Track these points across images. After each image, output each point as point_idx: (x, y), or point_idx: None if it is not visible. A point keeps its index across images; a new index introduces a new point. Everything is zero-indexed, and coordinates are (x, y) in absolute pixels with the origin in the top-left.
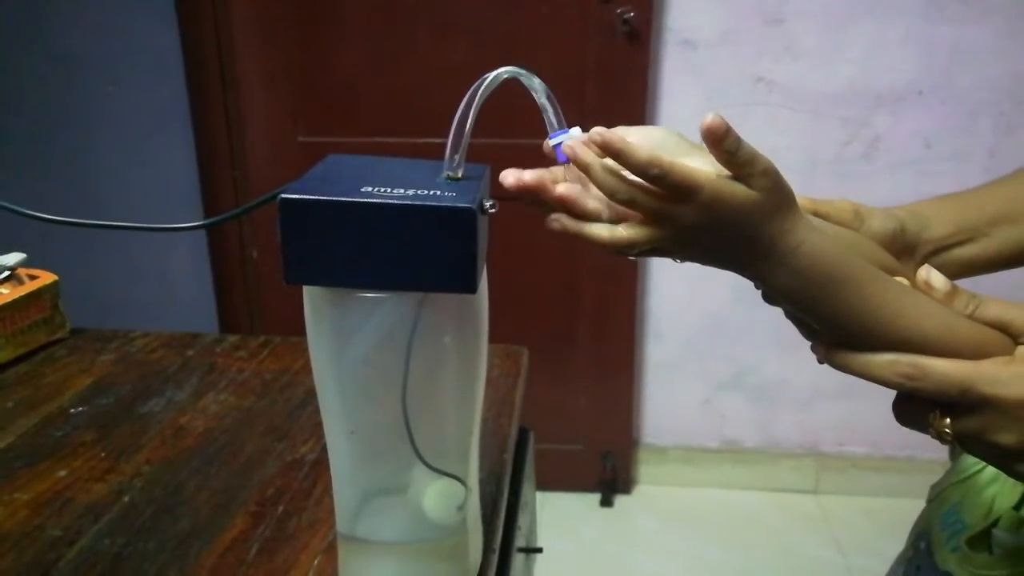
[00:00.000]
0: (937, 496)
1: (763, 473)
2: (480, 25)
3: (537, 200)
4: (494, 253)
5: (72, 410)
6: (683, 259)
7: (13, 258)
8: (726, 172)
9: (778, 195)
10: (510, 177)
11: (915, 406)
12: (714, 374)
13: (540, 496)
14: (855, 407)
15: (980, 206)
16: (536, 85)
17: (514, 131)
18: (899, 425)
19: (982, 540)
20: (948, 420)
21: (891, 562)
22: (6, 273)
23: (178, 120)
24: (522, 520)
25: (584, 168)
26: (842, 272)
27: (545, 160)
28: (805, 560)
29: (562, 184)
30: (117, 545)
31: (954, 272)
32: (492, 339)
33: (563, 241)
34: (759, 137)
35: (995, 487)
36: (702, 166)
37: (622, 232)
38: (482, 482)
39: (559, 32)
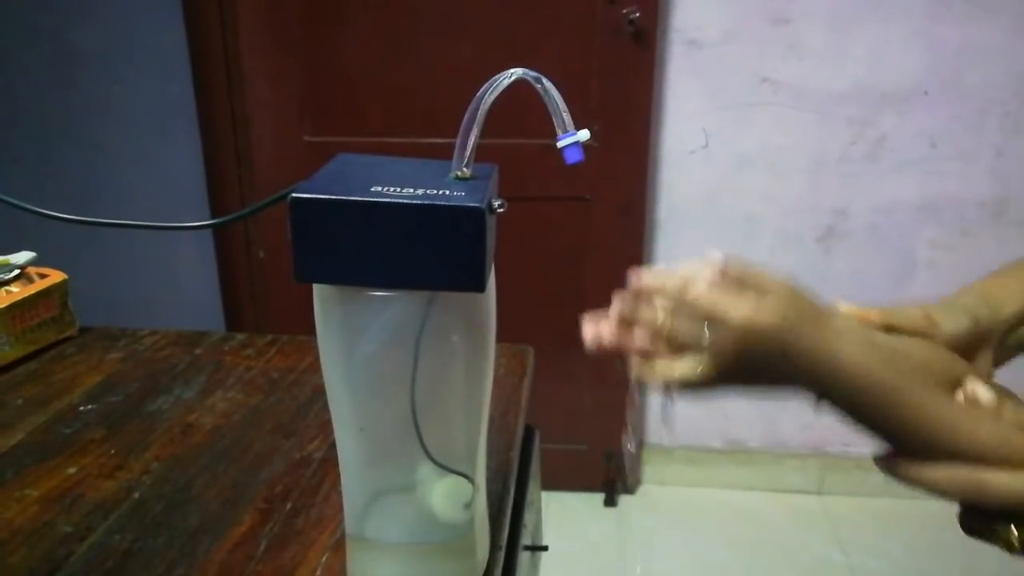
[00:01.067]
0: None
1: (767, 473)
2: (486, 25)
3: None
4: (500, 252)
5: (81, 407)
6: (734, 392)
7: (23, 257)
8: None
9: (800, 305)
10: (589, 339)
11: (980, 517)
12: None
13: (545, 495)
14: None
15: None
16: (545, 87)
17: (521, 130)
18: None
19: None
20: (1015, 532)
21: (895, 562)
22: (16, 272)
23: (184, 118)
24: (528, 518)
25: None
26: (887, 380)
27: (551, 163)
28: (809, 560)
29: (637, 336)
30: (127, 541)
31: None
32: (498, 338)
33: (569, 240)
34: (765, 137)
35: None
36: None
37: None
38: (489, 480)
39: (565, 32)
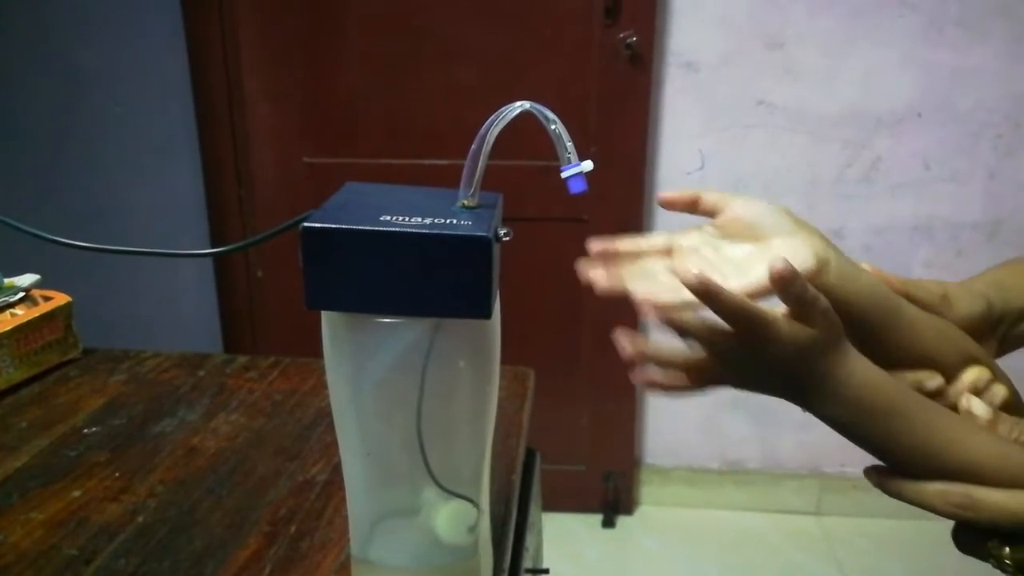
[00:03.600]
0: None
1: (765, 494)
2: (485, 48)
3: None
4: (500, 274)
5: (85, 430)
6: (731, 387)
7: (27, 279)
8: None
9: (834, 332)
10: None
11: (973, 534)
12: (716, 394)
13: (543, 517)
14: None
15: None
16: (550, 119)
17: (520, 152)
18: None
19: None
20: (1007, 550)
21: None
22: (20, 294)
23: (185, 139)
24: (529, 541)
25: (673, 323)
26: (890, 402)
27: (549, 185)
28: None
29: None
30: (132, 565)
31: None
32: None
33: (566, 262)
34: (760, 159)
35: None
36: (802, 247)
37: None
38: (491, 503)
39: (563, 55)
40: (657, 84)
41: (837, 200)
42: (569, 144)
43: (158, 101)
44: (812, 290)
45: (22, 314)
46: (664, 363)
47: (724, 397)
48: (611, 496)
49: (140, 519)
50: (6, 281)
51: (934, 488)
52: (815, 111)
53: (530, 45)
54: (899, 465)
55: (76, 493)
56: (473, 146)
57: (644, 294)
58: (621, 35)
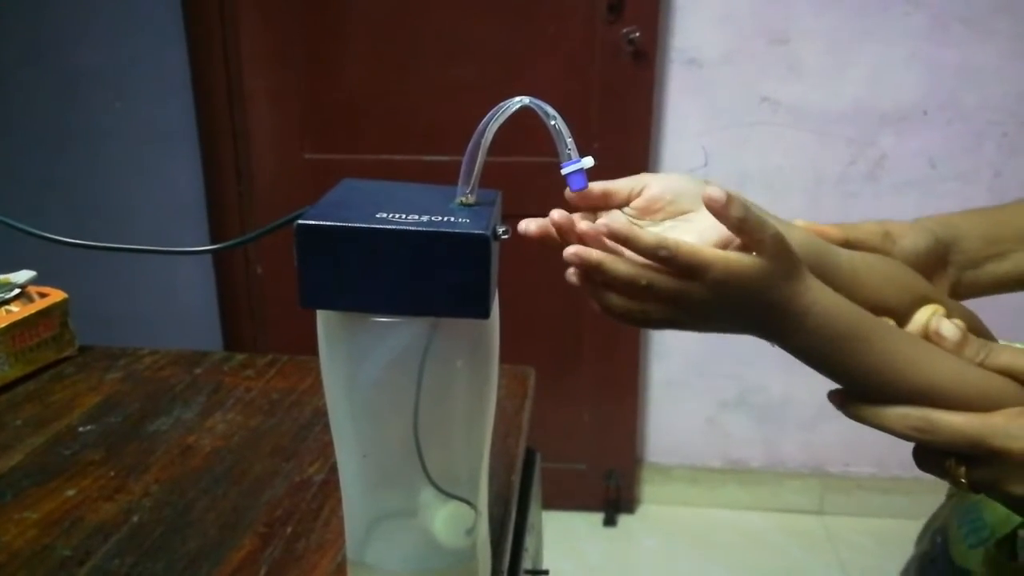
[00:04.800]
0: (957, 492)
1: (768, 493)
2: (486, 44)
3: (554, 243)
4: (499, 273)
5: (81, 428)
6: (698, 331)
7: (23, 276)
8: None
9: (787, 259)
10: (533, 226)
11: (932, 454)
12: (718, 393)
13: (544, 516)
14: (860, 427)
15: (1011, 223)
16: (549, 114)
17: (520, 149)
18: (899, 442)
19: (1008, 543)
20: (963, 469)
21: None
22: (16, 291)
23: (185, 136)
24: (529, 542)
25: (595, 267)
26: (852, 329)
27: (550, 182)
28: None
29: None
30: (126, 565)
31: (986, 288)
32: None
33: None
34: (764, 156)
35: None
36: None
37: (635, 305)
38: (490, 504)
39: (565, 52)
40: (660, 81)
41: (842, 198)
42: (569, 140)
43: (158, 97)
44: (756, 215)
45: (17, 311)
46: (619, 281)
47: (727, 396)
48: (612, 495)
49: (135, 519)
50: (1, 277)
51: (894, 412)
52: (819, 108)
53: (532, 41)
54: (861, 389)
55: (70, 492)
56: (471, 142)
57: (573, 250)
58: (624, 31)
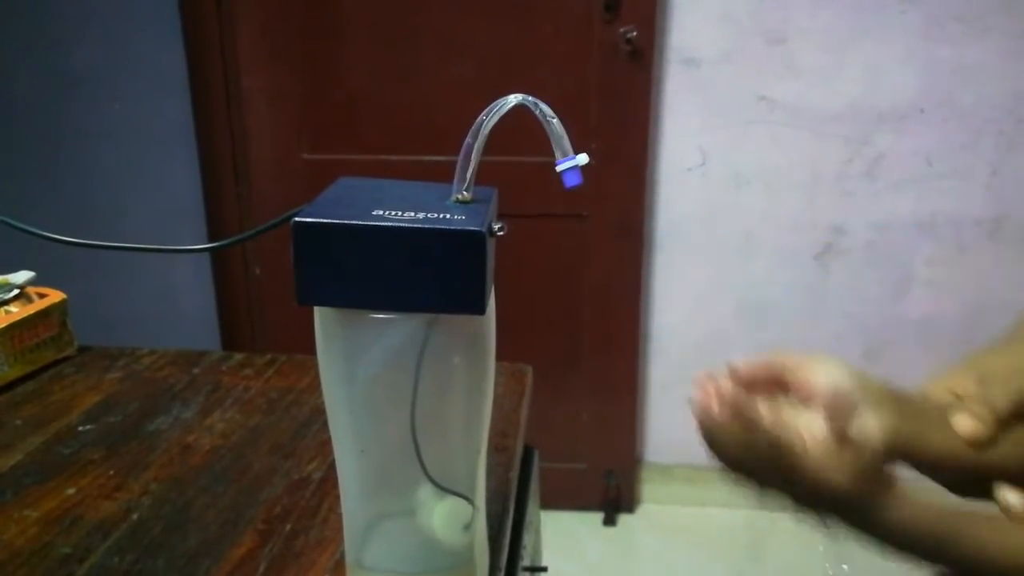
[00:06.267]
0: None
1: None
2: (484, 44)
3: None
4: (497, 269)
5: (80, 428)
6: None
7: (22, 276)
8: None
9: (874, 491)
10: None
11: None
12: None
13: (543, 515)
14: None
15: None
16: (545, 112)
17: (518, 148)
18: None
19: None
20: None
21: None
22: (15, 291)
23: (183, 136)
24: (527, 539)
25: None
26: (935, 537)
27: (548, 181)
28: None
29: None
30: (127, 562)
31: None
32: (496, 357)
33: (566, 258)
34: (762, 155)
35: None
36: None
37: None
38: (488, 501)
39: (563, 51)
40: (658, 80)
41: (839, 197)
42: (564, 138)
43: (156, 98)
44: (858, 432)
45: (17, 311)
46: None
47: None
48: (612, 494)
49: (134, 517)
50: (0, 278)
51: None
52: (816, 107)
53: (530, 41)
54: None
55: (70, 491)
56: (466, 140)
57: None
58: (621, 31)
